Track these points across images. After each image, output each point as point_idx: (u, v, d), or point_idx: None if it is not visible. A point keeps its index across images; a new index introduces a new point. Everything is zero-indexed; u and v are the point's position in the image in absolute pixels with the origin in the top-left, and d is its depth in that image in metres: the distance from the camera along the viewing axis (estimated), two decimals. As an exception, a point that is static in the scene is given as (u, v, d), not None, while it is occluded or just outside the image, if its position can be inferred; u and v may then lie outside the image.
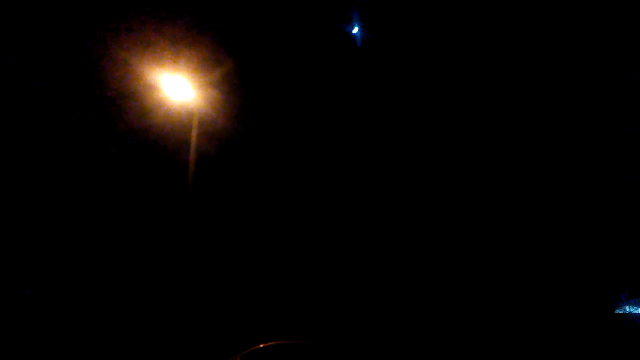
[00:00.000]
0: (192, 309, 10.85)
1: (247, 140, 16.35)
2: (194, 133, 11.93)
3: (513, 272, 20.15)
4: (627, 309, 26.84)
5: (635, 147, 23.19)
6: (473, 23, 19.04)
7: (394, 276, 18.02)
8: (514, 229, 20.93)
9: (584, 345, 17.40)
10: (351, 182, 18.51)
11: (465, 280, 19.26)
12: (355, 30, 17.20)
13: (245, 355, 9.17)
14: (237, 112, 15.03)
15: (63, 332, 12.77)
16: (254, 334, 10.81)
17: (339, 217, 18.02)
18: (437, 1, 18.44)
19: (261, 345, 9.42)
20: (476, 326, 17.35)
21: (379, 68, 18.89)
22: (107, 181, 15.46)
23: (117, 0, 14.62)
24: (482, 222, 20.84)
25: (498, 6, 18.86)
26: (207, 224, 15.00)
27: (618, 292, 25.67)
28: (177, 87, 11.68)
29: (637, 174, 24.02)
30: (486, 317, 18.02)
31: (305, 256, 16.95)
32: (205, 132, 12.91)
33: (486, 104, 20.35)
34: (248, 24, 16.05)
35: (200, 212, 13.74)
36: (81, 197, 15.10)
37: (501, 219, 21.09)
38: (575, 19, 19.51)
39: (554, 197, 22.15)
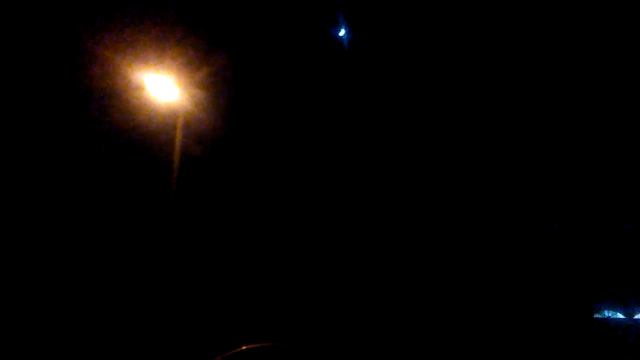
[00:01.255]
0: (174, 311, 10.68)
1: (233, 141, 16.27)
2: (179, 134, 11.82)
3: (494, 277, 20.33)
4: (606, 314, 27.44)
5: (617, 157, 23.66)
6: (461, 23, 19.33)
7: (380, 277, 18.05)
8: (495, 235, 21.17)
9: (563, 349, 17.64)
10: (337, 182, 18.54)
11: (449, 283, 19.38)
12: (342, 32, 17.35)
13: (227, 357, 9.03)
14: (223, 112, 14.95)
15: (43, 331, 12.46)
16: (237, 336, 10.65)
17: (325, 218, 18.02)
18: (422, 3, 18.69)
19: (244, 348, 9.29)
20: (458, 329, 17.45)
21: (365, 69, 19.04)
22: (89, 182, 15.17)
23: (101, -3, 14.46)
24: (465, 226, 21.01)
25: (486, 7, 19.17)
26: (191, 227, 14.82)
27: (597, 298, 26.17)
28: (162, 87, 11.51)
29: (615, 184, 24.56)
30: (466, 321, 18.14)
31: (290, 258, 16.88)
32: (191, 133, 12.75)
33: (473, 104, 20.62)
34: (235, 24, 16.04)
35: (184, 215, 13.58)
36: (64, 198, 14.80)
37: (482, 225, 21.30)
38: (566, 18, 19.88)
39: (535, 206, 22.48)
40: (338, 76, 18.54)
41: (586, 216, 23.78)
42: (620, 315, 27.64)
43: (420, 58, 19.54)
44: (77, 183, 14.83)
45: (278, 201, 17.35)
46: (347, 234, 18.28)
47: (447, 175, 20.70)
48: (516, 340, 17.31)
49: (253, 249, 16.40)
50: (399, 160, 19.86)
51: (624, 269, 25.72)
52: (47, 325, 12.71)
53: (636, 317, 27.79)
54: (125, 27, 14.25)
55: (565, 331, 19.50)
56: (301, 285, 16.54)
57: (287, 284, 16.35)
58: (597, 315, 26.40)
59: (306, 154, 18.05)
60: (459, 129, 20.70)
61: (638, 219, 25.17)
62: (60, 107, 14.76)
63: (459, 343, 16.46)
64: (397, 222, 19.38)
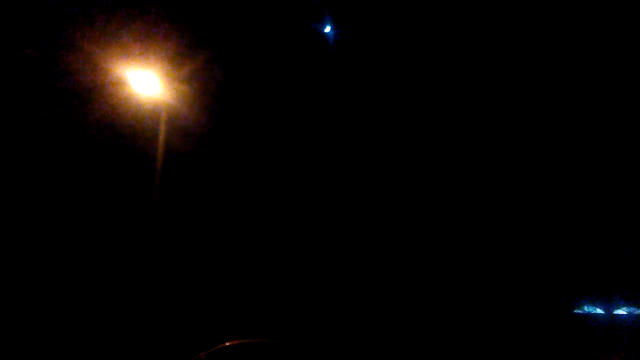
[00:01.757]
0: (156, 307, 10.61)
1: (219, 137, 16.16)
2: (163, 130, 11.68)
3: (473, 273, 20.57)
4: (586, 309, 27.98)
5: (597, 156, 24.07)
6: (447, 17, 19.47)
7: (360, 274, 18.13)
8: (475, 231, 21.40)
9: (543, 343, 17.92)
10: (322, 177, 18.57)
11: (429, 278, 19.57)
12: (328, 29, 17.36)
13: (210, 354, 9.01)
14: (208, 108, 14.84)
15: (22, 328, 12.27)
16: (220, 333, 10.64)
17: (308, 213, 18.03)
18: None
19: (227, 344, 9.27)
20: (436, 325, 17.64)
21: (351, 66, 19.08)
22: (71, 178, 14.95)
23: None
24: (445, 223, 21.20)
25: (470, 6, 19.33)
26: (175, 224, 14.71)
27: (577, 293, 26.67)
28: (145, 82, 11.32)
29: (596, 183, 25.02)
30: (445, 317, 18.33)
31: (273, 255, 16.87)
32: (175, 129, 12.64)
33: (459, 98, 20.80)
34: (220, 18, 15.90)
35: (168, 212, 13.47)
36: (45, 194, 14.57)
37: (461, 221, 21.51)
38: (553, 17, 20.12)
39: (515, 202, 22.77)
40: (323, 72, 18.56)
41: (566, 214, 24.18)
42: (599, 311, 28.22)
43: (405, 54, 19.66)
44: (58, 179, 14.61)
45: (263, 198, 17.31)
46: (331, 228, 18.34)
47: (429, 167, 20.92)
48: (497, 335, 17.56)
49: (237, 246, 16.33)
50: (383, 153, 19.98)
51: (603, 266, 26.27)
52: (27, 318, 12.54)
53: (615, 312, 28.41)
54: (108, 21, 14.07)
55: (545, 326, 19.81)
56: (284, 283, 16.55)
57: (271, 281, 16.34)
58: (576, 311, 26.89)
59: (293, 151, 18.03)
60: (445, 123, 20.91)
61: (617, 217, 25.72)
62: (41, 102, 14.51)
63: (438, 337, 16.66)
64: (381, 217, 19.51)
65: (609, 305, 28.49)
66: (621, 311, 28.67)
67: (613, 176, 24.91)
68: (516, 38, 20.78)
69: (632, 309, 28.50)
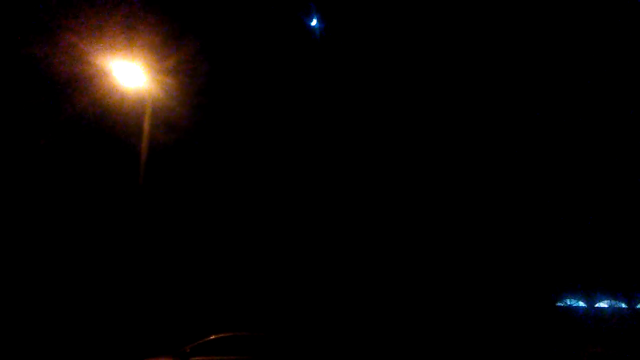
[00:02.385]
0: (141, 301, 10.50)
1: (205, 131, 15.98)
2: (147, 122, 11.51)
3: (457, 268, 20.76)
4: (568, 302, 28.46)
5: (581, 153, 24.41)
6: (434, 10, 19.51)
7: (339, 268, 18.17)
8: (458, 226, 21.56)
9: (526, 335, 18.17)
10: (310, 172, 18.53)
11: (412, 275, 19.69)
12: (314, 22, 17.25)
13: (195, 347, 8.97)
14: (195, 101, 14.59)
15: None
16: (205, 326, 10.59)
17: (294, 208, 17.99)
18: None
19: (212, 337, 9.24)
20: (424, 319, 17.79)
21: (338, 58, 19.02)
22: (52, 172, 14.66)
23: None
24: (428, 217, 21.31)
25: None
26: (159, 219, 14.54)
27: (560, 287, 27.10)
28: (130, 73, 11.09)
29: (580, 178, 25.39)
30: (431, 311, 18.49)
31: (258, 249, 16.80)
32: (160, 122, 12.51)
33: (445, 92, 20.89)
34: (207, 9, 15.68)
35: (152, 206, 13.31)
36: (27, 188, 14.26)
37: (445, 216, 21.66)
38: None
39: (501, 197, 22.99)
40: (311, 65, 18.47)
41: (550, 208, 24.51)
42: (581, 304, 28.72)
43: (392, 47, 19.66)
44: (39, 173, 14.31)
45: (249, 193, 17.20)
46: (313, 220, 18.34)
47: (416, 160, 21.01)
48: (480, 328, 17.78)
49: (222, 241, 16.22)
50: (368, 144, 20.01)
51: (585, 260, 26.73)
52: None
53: (597, 305, 28.95)
54: (92, 11, 13.77)
55: (528, 319, 20.10)
56: (268, 277, 16.52)
57: (255, 276, 16.29)
58: (559, 304, 27.32)
59: (282, 145, 17.93)
60: (432, 115, 21.01)
61: (600, 211, 26.16)
62: (23, 94, 14.20)
63: (425, 333, 16.81)
64: (354, 212, 19.56)
65: (591, 298, 29.03)
66: (603, 304, 29.25)
67: (596, 172, 25.31)
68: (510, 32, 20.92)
69: (613, 302, 29.09)
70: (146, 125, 11.41)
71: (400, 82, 20.16)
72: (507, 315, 19.50)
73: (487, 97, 21.45)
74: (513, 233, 22.58)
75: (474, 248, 21.35)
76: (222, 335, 9.30)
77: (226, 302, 15.17)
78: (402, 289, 18.94)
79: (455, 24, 19.72)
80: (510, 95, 21.96)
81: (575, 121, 23.50)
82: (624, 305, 28.76)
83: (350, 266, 18.47)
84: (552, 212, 24.36)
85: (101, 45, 12.97)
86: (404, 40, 19.55)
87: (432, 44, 19.97)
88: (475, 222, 21.82)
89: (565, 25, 20.18)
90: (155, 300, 13.54)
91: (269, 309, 15.58)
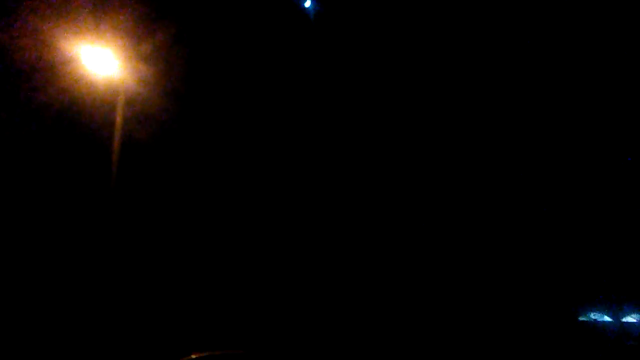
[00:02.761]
0: (117, 315, 10.47)
1: (182, 123, 15.87)
2: (120, 114, 11.49)
3: (480, 279, 20.93)
4: (592, 316, 28.61)
5: (606, 162, 24.77)
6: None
7: (322, 282, 18.25)
8: (478, 236, 21.78)
9: (548, 353, 18.28)
10: (295, 166, 18.54)
11: (428, 284, 19.80)
12: (308, 3, 17.30)
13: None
14: (171, 90, 14.50)
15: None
16: (187, 343, 10.58)
17: (279, 209, 17.98)
18: None
19: (193, 356, 9.20)
20: (441, 330, 17.93)
21: (331, 41, 19.07)
22: (15, 170, 14.57)
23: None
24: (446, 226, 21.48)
25: None
26: (132, 220, 14.47)
27: (584, 300, 27.27)
28: (100, 60, 11.01)
29: (601, 186, 25.72)
30: (450, 322, 18.65)
31: (241, 259, 16.78)
32: (134, 114, 12.48)
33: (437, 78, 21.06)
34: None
35: (125, 206, 13.24)
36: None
37: (464, 225, 21.86)
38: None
39: (520, 208, 23.26)
40: (302, 50, 18.47)
41: (574, 219, 24.76)
42: (607, 318, 28.84)
43: (386, 31, 19.76)
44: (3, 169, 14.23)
45: (231, 193, 17.12)
46: (302, 225, 18.40)
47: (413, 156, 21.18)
48: (501, 343, 17.93)
49: (201, 247, 16.17)
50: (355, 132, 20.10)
51: (611, 271, 26.90)
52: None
53: (623, 320, 29.07)
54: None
55: (550, 334, 20.22)
56: (251, 291, 16.54)
57: (238, 289, 16.29)
58: (583, 318, 27.44)
59: (267, 138, 17.86)
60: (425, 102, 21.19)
61: (626, 221, 26.41)
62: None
63: (441, 344, 16.96)
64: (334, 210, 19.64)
65: (617, 312, 29.14)
66: (630, 319, 29.37)
67: (620, 181, 25.64)
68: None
69: (642, 317, 29.24)
70: (118, 119, 11.40)
71: (398, 66, 20.26)
72: (527, 330, 19.67)
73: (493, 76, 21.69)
74: (534, 243, 22.82)
75: (494, 259, 21.59)
76: (203, 353, 9.27)
77: (204, 317, 15.12)
78: (418, 299, 19.14)
79: (455, 6, 19.91)
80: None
81: (602, 134, 23.93)
82: (653, 320, 28.95)
83: (345, 277, 18.54)
84: (575, 221, 24.63)
85: (67, 27, 12.89)
86: (401, 22, 19.66)
87: (431, 28, 20.12)
88: (495, 231, 22.08)
89: (566, 25, 20.55)
90: (129, 311, 13.47)
91: (248, 325, 15.60)
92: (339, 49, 19.23)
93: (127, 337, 12.24)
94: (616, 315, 28.67)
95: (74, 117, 14.22)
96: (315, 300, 17.56)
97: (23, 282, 13.47)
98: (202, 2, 16.14)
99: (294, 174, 18.68)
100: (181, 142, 16.32)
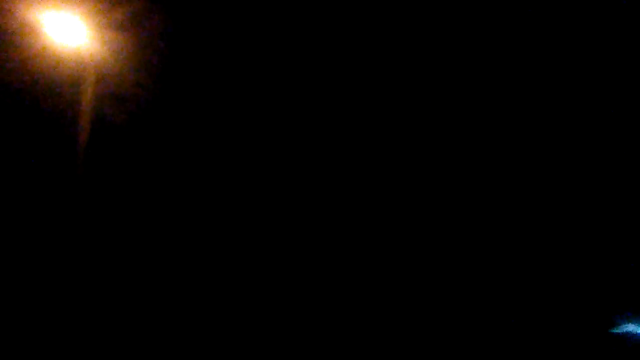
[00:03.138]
0: (87, 319, 10.43)
1: (161, 102, 15.79)
2: (89, 91, 11.45)
3: (505, 286, 21.21)
4: (625, 329, 28.68)
5: (628, 165, 25.14)
6: None
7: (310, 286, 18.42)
8: (508, 242, 22.07)
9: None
10: (283, 160, 18.61)
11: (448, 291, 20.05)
12: None
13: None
14: (148, 64, 14.37)
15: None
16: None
17: (263, 198, 18.04)
18: None
19: None
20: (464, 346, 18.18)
21: (323, 18, 19.18)
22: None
23: None
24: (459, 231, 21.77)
25: None
26: (102, 213, 14.46)
27: (615, 311, 27.37)
28: (66, 29, 10.88)
29: (629, 193, 26.02)
30: (474, 330, 18.96)
31: (229, 256, 16.82)
32: (105, 91, 12.49)
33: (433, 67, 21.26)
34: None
35: (94, 197, 13.23)
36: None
37: (489, 231, 22.15)
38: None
39: (546, 212, 23.57)
40: (291, 26, 18.45)
41: (607, 222, 24.97)
42: (641, 331, 28.82)
43: (386, 30, 19.98)
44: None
45: (212, 181, 17.11)
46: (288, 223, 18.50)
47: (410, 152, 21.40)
48: (527, 356, 18.08)
49: (178, 242, 16.20)
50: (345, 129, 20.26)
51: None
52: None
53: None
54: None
55: (579, 347, 20.52)
56: (250, 288, 16.62)
57: (220, 291, 16.35)
58: (614, 330, 27.50)
59: (249, 121, 17.80)
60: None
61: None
62: None
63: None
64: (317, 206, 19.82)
65: (652, 324, 29.13)
66: (668, 331, 29.32)
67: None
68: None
69: (680, 329, 29.22)
70: (87, 96, 11.36)
71: (398, 66, 20.42)
72: (555, 343, 20.12)
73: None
74: (563, 251, 23.23)
75: (519, 269, 22.04)
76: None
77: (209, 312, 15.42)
78: (438, 310, 19.47)
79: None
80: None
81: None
82: (693, 333, 28.99)
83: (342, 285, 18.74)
84: (605, 228, 24.99)
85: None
86: (401, 22, 19.83)
87: (431, 28, 20.32)
88: (521, 240, 22.52)
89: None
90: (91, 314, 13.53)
91: (233, 334, 15.74)
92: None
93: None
94: (652, 327, 28.73)
95: (35, 96, 14.13)
96: (316, 300, 17.69)
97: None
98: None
99: (288, 166, 18.81)
100: (160, 125, 16.22)
